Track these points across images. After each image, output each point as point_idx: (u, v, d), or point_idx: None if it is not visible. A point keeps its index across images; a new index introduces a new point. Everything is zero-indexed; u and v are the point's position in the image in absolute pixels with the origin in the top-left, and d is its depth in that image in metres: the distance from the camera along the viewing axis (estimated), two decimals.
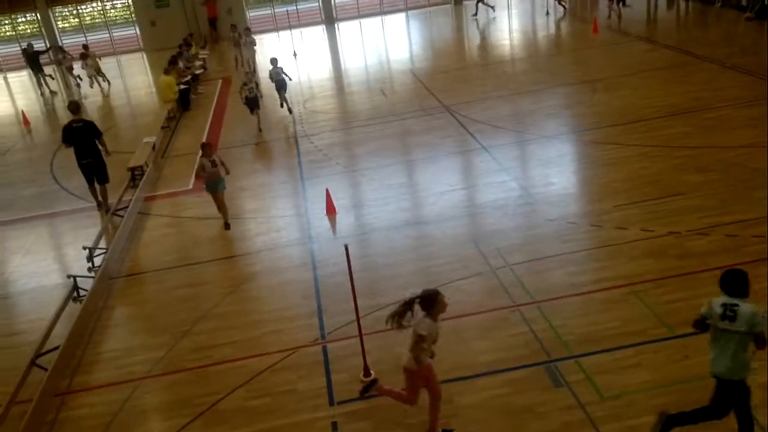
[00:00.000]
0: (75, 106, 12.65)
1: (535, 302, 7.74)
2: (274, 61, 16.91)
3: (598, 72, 17.26)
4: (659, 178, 10.53)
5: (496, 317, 7.60)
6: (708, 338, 5.27)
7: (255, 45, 23.55)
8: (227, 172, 10.82)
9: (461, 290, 8.21)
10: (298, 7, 32.22)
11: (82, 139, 12.10)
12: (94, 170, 12.31)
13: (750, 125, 12.19)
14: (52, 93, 24.59)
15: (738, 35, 19.59)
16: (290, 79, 17.34)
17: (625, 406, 5.94)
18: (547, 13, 27.03)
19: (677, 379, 6.18)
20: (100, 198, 12.53)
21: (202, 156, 10.63)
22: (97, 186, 12.43)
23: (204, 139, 16.07)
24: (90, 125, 12.27)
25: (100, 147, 12.34)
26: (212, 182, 10.71)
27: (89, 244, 10.32)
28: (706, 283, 7.58)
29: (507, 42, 24.20)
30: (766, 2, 20.16)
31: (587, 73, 17.26)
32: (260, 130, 15.89)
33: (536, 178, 11.30)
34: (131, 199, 12.04)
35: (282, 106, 16.95)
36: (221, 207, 10.96)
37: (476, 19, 28.59)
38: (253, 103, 15.78)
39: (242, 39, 23.83)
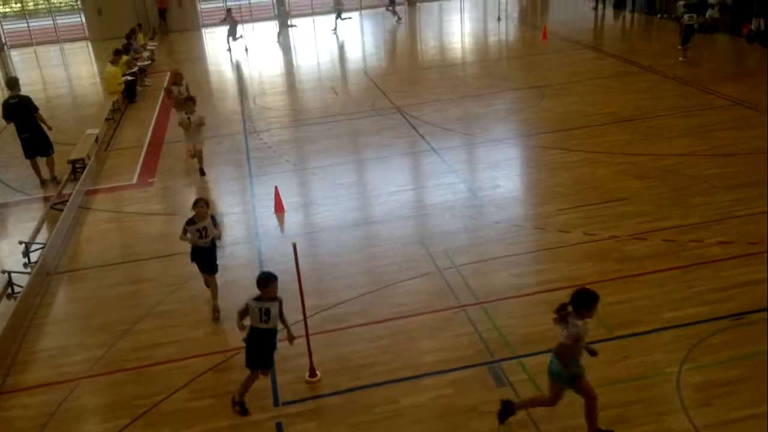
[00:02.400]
0: (12, 82, 12.80)
1: (480, 303, 7.85)
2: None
3: (546, 78, 17.62)
4: (601, 184, 10.81)
5: (442, 317, 7.66)
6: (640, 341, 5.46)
7: (203, 125, 12.66)
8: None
9: (408, 290, 8.26)
10: (251, 1, 31.81)
11: (19, 114, 12.47)
12: (34, 144, 12.68)
13: (687, 134, 12.65)
14: None
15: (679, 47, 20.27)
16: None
17: (566, 406, 6.07)
18: (498, 18, 27.43)
19: (616, 378, 6.36)
20: (43, 176, 12.90)
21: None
22: (40, 161, 12.86)
23: (149, 133, 15.70)
24: (25, 100, 12.57)
25: (40, 122, 12.68)
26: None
27: (26, 238, 9.95)
28: (644, 286, 7.85)
29: (458, 45, 24.44)
30: (707, 17, 20.92)
31: (535, 79, 17.60)
32: (216, 314, 8.10)
33: (484, 181, 11.46)
34: (71, 193, 11.67)
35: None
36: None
37: (396, 21, 28.71)
38: (203, 258, 8.02)
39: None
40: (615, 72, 17.68)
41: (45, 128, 12.76)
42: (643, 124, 13.43)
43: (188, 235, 7.78)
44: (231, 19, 25.91)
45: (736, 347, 6.66)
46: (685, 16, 18.01)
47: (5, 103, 12.53)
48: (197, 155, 12.72)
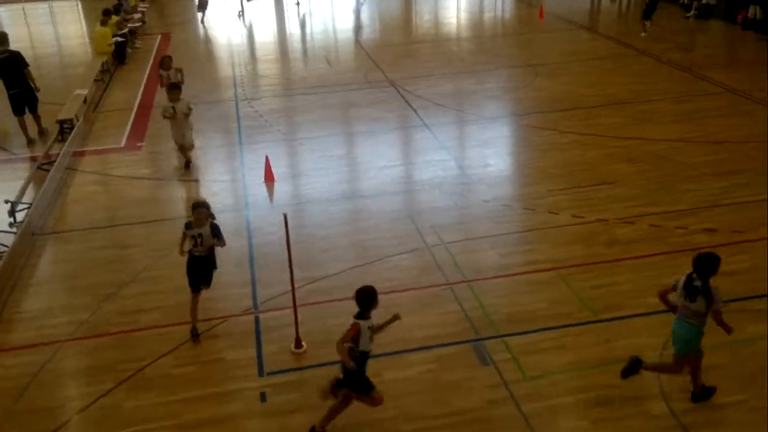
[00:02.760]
0: (1, 38, 12.65)
1: (466, 281, 7.89)
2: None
3: (541, 57, 17.53)
4: (592, 166, 10.84)
5: (429, 294, 7.71)
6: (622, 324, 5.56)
7: (189, 114, 11.32)
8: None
9: (396, 266, 8.29)
10: None
11: (9, 69, 12.40)
12: (23, 100, 12.60)
13: (679, 120, 12.68)
14: None
15: (676, 32, 20.18)
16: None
17: (548, 385, 6.16)
18: None
19: (598, 361, 6.44)
20: (30, 135, 12.80)
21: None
22: (27, 118, 12.78)
23: (139, 96, 15.45)
24: (15, 55, 12.51)
25: (29, 79, 12.60)
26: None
27: (12, 198, 9.83)
28: (629, 270, 7.93)
29: (454, 21, 24.22)
30: (702, 1, 20.84)
31: (530, 58, 17.50)
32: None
33: (474, 159, 11.44)
34: (59, 153, 11.52)
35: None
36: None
37: (241, 18, 25.36)
38: (196, 269, 7.17)
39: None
40: (610, 54, 17.61)
41: (33, 86, 12.70)
42: (636, 107, 13.44)
43: (186, 242, 7.04)
44: None
45: (716, 335, 6.73)
46: None
47: None
48: (185, 149, 11.38)
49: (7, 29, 23.56)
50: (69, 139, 12.22)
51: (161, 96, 15.27)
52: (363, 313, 5.51)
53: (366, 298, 5.49)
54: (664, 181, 10.16)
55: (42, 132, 12.96)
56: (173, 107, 11.02)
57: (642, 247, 8.39)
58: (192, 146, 11.64)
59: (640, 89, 14.53)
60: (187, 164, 11.47)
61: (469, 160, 11.37)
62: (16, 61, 12.41)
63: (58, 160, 11.28)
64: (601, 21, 22.91)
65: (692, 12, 21.13)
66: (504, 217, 9.34)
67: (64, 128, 12.82)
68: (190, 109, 11.26)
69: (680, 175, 10.32)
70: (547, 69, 16.34)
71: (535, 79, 15.58)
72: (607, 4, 25.60)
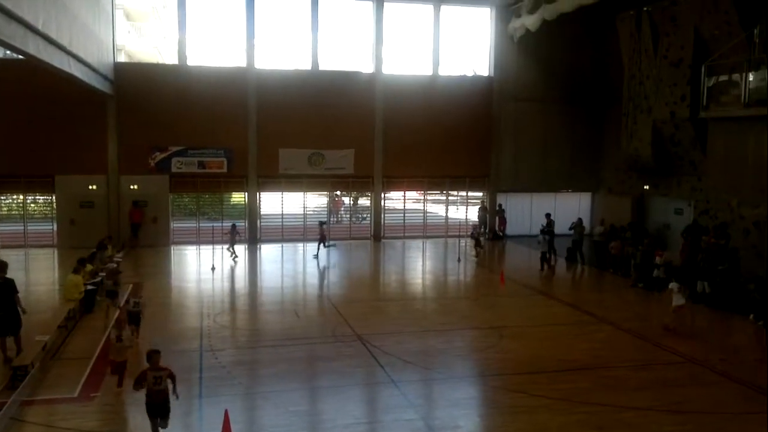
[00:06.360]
0: (3, 266, 13.87)
1: None
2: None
3: (505, 319, 18.02)
4: None
5: None
6: None
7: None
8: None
9: None
10: (224, 224, 33.01)
11: (2, 294, 13.46)
12: (6, 323, 13.53)
13: (644, 388, 12.74)
14: None
15: (629, 302, 21.19)
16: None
17: None
18: (459, 259, 28.75)
19: None
20: (8, 354, 13.46)
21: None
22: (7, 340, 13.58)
23: (101, 344, 15.23)
24: (9, 282, 13.75)
25: (17, 304, 13.73)
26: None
27: None
28: None
29: (420, 281, 25.25)
30: (653, 275, 22.27)
31: (494, 320, 17.97)
32: None
33: (444, 419, 11.14)
34: (6, 402, 10.91)
35: None
36: None
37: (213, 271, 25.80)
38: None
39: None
40: (571, 320, 18.21)
41: (20, 310, 13.77)
42: (601, 373, 13.57)
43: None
44: (234, 234, 28.48)
45: None
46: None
47: None
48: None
49: None
50: (20, 388, 11.66)
51: None
52: None
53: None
54: None
55: (20, 351, 13.48)
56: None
57: None
58: None
59: (604, 355, 14.82)
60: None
61: (439, 421, 11.05)
62: (9, 287, 13.57)
63: (3, 409, 10.65)
64: (558, 288, 24.04)
65: (639, 284, 22.51)
66: None
67: (18, 374, 12.30)
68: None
69: None
70: (511, 332, 16.71)
71: (500, 341, 15.85)
72: (563, 272, 27.08)
